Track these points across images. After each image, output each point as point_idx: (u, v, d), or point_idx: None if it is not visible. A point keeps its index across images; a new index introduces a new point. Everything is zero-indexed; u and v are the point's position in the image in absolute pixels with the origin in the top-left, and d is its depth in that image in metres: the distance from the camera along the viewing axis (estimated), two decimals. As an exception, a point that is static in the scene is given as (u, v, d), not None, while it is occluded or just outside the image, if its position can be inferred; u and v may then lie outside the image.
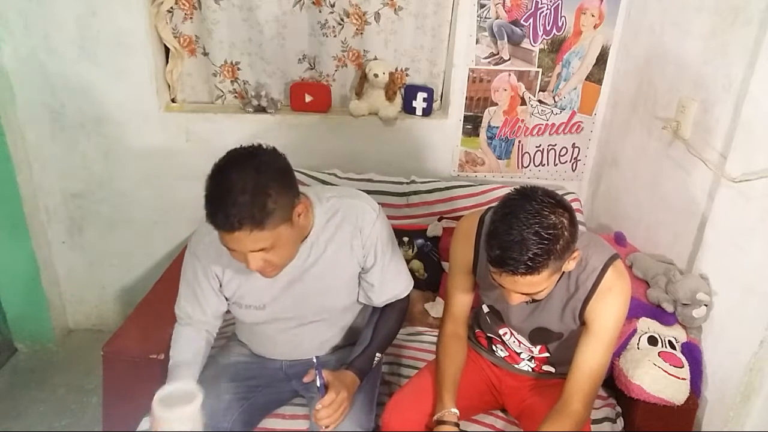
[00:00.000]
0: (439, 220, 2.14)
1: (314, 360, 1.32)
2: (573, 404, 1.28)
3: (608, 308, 1.28)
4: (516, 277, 1.15)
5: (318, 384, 1.30)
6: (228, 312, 1.50)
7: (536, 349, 1.46)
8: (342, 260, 1.42)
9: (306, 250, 1.38)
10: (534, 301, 1.35)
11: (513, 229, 1.12)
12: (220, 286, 1.44)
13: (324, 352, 1.56)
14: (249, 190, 1.14)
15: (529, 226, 1.11)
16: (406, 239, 2.07)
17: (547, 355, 1.47)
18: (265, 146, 1.24)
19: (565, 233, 1.14)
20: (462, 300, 1.48)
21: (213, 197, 1.17)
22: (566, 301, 1.32)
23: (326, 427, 1.31)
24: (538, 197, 1.14)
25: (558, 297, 1.33)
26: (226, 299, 1.46)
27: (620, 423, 1.59)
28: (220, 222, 1.15)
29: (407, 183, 2.20)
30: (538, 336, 1.41)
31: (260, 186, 1.15)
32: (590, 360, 1.29)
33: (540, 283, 1.17)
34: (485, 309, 1.51)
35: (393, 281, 1.49)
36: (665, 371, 1.51)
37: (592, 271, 1.28)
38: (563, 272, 1.28)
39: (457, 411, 1.36)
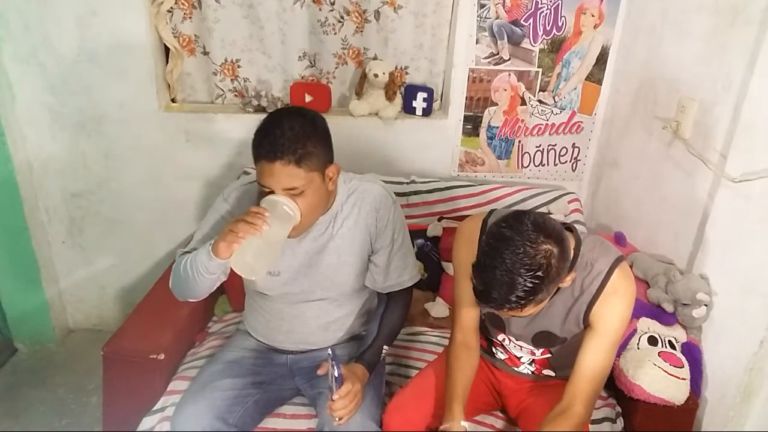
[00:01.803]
0: (439, 220, 2.14)
1: (329, 352, 1.33)
2: (574, 405, 1.28)
3: (613, 310, 1.27)
4: (502, 310, 1.17)
5: (336, 374, 1.29)
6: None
7: (538, 351, 1.46)
8: (357, 238, 1.48)
9: (325, 223, 1.45)
10: None
11: (497, 269, 1.10)
12: None
13: (329, 339, 1.57)
14: (296, 131, 1.28)
15: (514, 268, 1.09)
16: (406, 239, 2.07)
17: (549, 356, 1.46)
18: (309, 109, 1.38)
19: (552, 270, 1.12)
20: (470, 307, 1.44)
21: (262, 130, 1.31)
22: (571, 305, 1.31)
23: (340, 419, 1.31)
24: (526, 232, 1.11)
25: (561, 301, 1.32)
26: None
27: (620, 423, 1.59)
28: (264, 149, 1.27)
29: (407, 183, 2.20)
30: (541, 340, 1.41)
31: (305, 130, 1.29)
32: (593, 361, 1.29)
33: (527, 311, 1.18)
34: (483, 317, 1.49)
35: (399, 268, 1.53)
36: (665, 371, 1.51)
37: (597, 275, 1.27)
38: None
39: (466, 424, 1.34)
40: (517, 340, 1.45)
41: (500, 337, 1.48)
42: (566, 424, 1.26)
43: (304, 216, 1.33)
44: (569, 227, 1.28)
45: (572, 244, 1.24)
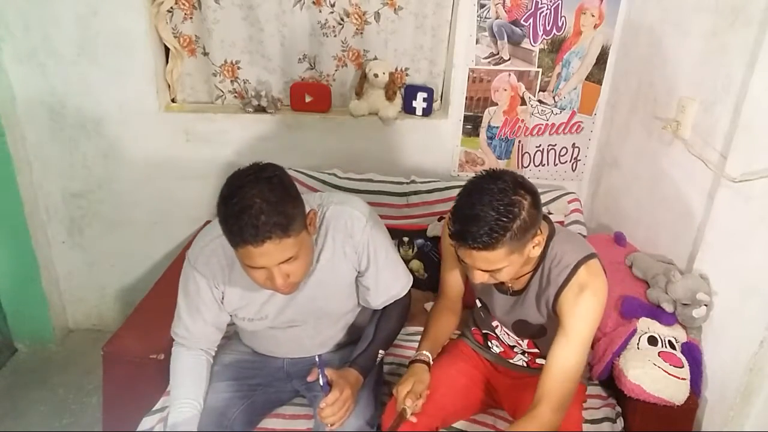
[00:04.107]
0: (439, 220, 2.14)
1: (316, 359, 1.32)
2: (540, 406, 1.25)
3: (580, 308, 1.26)
4: (473, 252, 1.19)
5: (321, 383, 1.31)
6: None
7: (524, 343, 1.48)
8: (338, 266, 1.42)
9: None
10: (514, 294, 1.39)
11: (474, 206, 1.17)
12: (222, 299, 1.42)
13: (326, 350, 1.57)
14: (271, 200, 1.15)
15: (488, 204, 1.16)
16: (406, 239, 2.07)
17: (537, 350, 1.48)
18: (263, 163, 1.24)
19: (523, 214, 1.17)
20: (454, 283, 1.55)
21: (236, 216, 1.15)
22: (539, 294, 1.35)
23: (331, 425, 1.31)
24: (503, 178, 1.20)
25: (533, 291, 1.36)
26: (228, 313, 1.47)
27: (620, 423, 1.59)
28: (250, 236, 1.14)
29: (407, 183, 2.20)
30: (520, 328, 1.44)
31: (278, 196, 1.17)
32: (561, 361, 1.27)
33: (497, 260, 1.20)
34: (479, 303, 1.53)
35: (389, 283, 1.49)
36: (665, 371, 1.51)
37: (564, 268, 1.29)
38: (539, 267, 1.33)
39: (429, 354, 1.42)
40: (503, 326, 1.48)
41: (494, 323, 1.51)
42: (531, 425, 1.24)
43: (300, 273, 1.27)
44: (545, 217, 1.33)
45: (546, 231, 1.30)
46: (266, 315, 1.43)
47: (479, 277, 1.25)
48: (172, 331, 1.48)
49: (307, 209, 1.28)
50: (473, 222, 1.16)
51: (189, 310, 1.44)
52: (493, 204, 1.16)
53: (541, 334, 1.41)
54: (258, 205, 1.14)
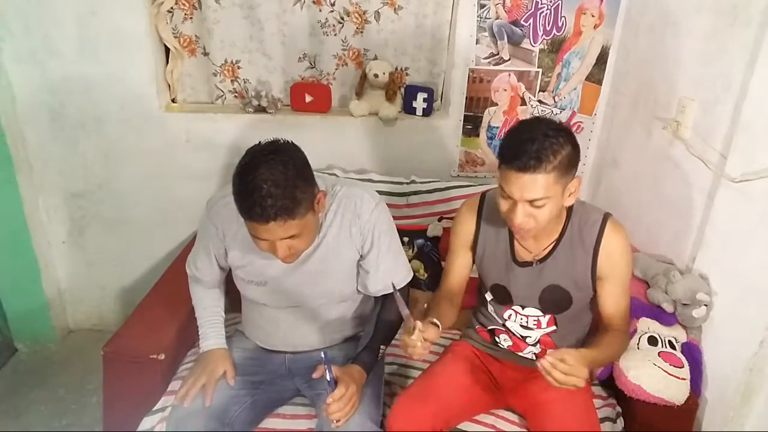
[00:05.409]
0: (439, 220, 2.14)
1: (322, 355, 1.33)
2: (612, 327, 1.43)
3: (619, 254, 1.41)
4: (524, 176, 1.24)
5: (328, 378, 1.32)
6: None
7: (545, 320, 1.49)
8: (342, 245, 1.46)
9: None
10: (539, 263, 1.44)
11: (525, 131, 1.28)
12: (226, 253, 1.49)
13: (326, 341, 1.58)
14: (280, 184, 1.21)
15: (538, 129, 1.27)
16: (406, 239, 2.07)
17: (554, 328, 1.49)
18: (282, 141, 1.31)
19: (568, 146, 1.27)
20: (459, 273, 1.57)
21: (246, 193, 1.22)
22: (575, 255, 1.43)
23: (337, 421, 1.32)
24: (546, 119, 1.33)
25: (563, 251, 1.43)
26: (229, 267, 1.54)
27: (620, 423, 1.59)
28: (256, 215, 1.22)
29: (407, 183, 2.20)
30: (549, 297, 1.46)
31: (289, 179, 1.23)
32: (615, 301, 1.43)
33: (545, 186, 1.25)
34: (489, 297, 1.55)
35: (389, 270, 1.51)
36: (665, 371, 1.51)
37: (594, 223, 1.42)
38: (565, 231, 1.42)
39: (437, 321, 1.41)
40: (523, 308, 1.49)
41: (506, 314, 1.52)
42: (615, 337, 1.42)
43: (302, 248, 1.36)
44: None
45: None
46: (266, 281, 1.48)
47: (521, 216, 1.29)
48: (186, 264, 1.61)
49: (321, 187, 1.36)
50: (527, 142, 1.24)
51: (198, 249, 1.55)
52: (543, 129, 1.26)
53: (567, 305, 1.47)
54: (267, 188, 1.20)
